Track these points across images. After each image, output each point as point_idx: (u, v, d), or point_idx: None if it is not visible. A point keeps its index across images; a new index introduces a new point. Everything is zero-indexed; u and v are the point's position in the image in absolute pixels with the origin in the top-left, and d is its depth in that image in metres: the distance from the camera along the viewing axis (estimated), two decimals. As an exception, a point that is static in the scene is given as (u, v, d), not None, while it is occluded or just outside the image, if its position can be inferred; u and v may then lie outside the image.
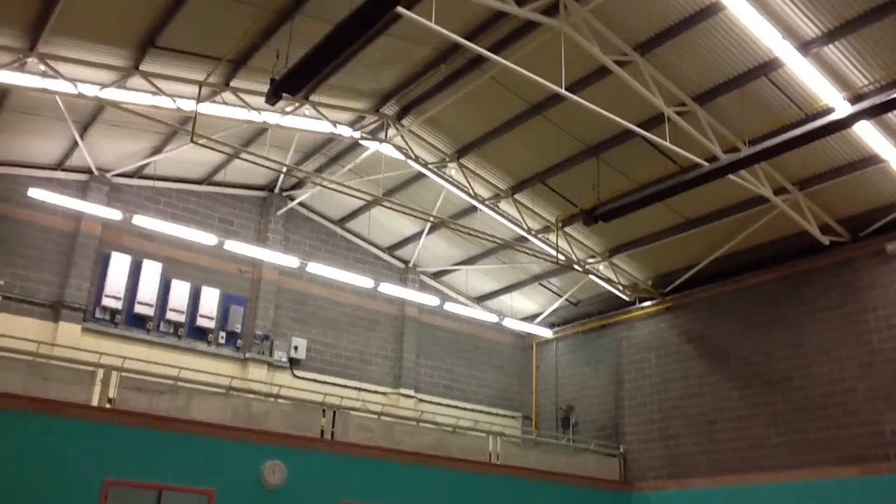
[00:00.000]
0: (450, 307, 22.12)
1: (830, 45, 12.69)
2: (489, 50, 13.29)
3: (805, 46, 12.69)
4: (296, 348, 20.39)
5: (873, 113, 12.10)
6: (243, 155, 17.05)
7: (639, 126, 14.31)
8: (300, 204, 21.26)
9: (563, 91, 13.25)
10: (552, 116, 16.01)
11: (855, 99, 13.12)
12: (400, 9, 11.46)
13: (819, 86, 13.00)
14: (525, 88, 15.20)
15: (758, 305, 18.13)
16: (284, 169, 18.11)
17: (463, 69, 15.17)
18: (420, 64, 15.28)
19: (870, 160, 14.79)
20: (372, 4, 10.24)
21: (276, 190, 20.93)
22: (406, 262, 23.01)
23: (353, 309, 21.87)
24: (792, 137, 12.83)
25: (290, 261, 19.44)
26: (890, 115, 13.42)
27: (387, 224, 21.54)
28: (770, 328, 17.77)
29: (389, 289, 21.10)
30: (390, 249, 22.81)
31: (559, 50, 13.01)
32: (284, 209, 20.92)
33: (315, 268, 19.78)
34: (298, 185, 20.70)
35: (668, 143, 14.24)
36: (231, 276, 20.05)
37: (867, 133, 13.72)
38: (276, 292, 20.57)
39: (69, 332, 17.17)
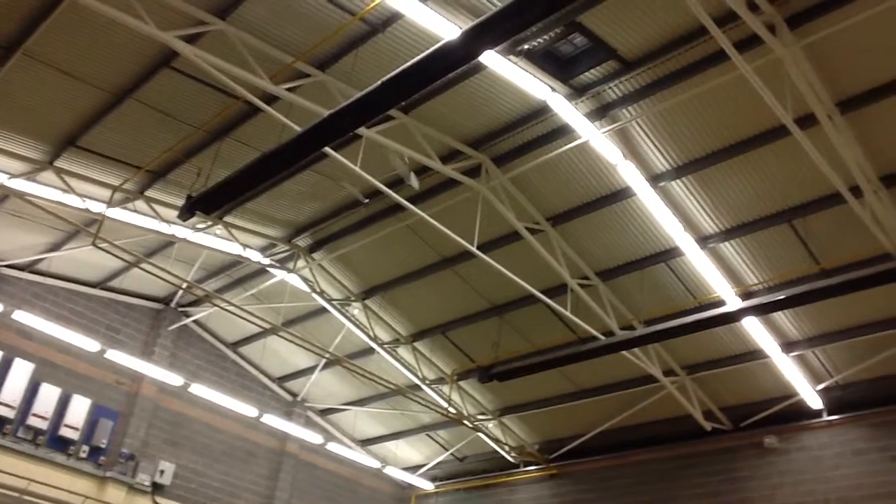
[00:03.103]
0: (333, 447, 21.46)
1: (726, 243, 13.57)
2: (409, 200, 13.61)
3: (704, 240, 13.52)
4: (162, 472, 19.19)
5: (760, 311, 12.77)
6: (144, 265, 16.60)
7: (543, 293, 14.71)
8: (195, 321, 20.64)
9: (474, 249, 13.63)
10: (461, 271, 16.32)
11: (745, 295, 13.92)
12: (328, 149, 11.74)
13: (713, 278, 13.74)
14: (438, 241, 15.52)
15: (642, 484, 18.20)
16: (185, 285, 17.67)
17: (381, 214, 15.44)
18: (340, 202, 15.48)
19: (754, 354, 15.47)
20: (302, 141, 10.43)
21: (173, 304, 20.31)
22: (295, 396, 22.37)
23: (231, 437, 20.92)
24: (684, 324, 13.34)
25: (174, 378, 18.63)
26: (775, 314, 14.22)
27: (281, 354, 21.06)
28: (651, 509, 17.80)
29: (273, 421, 20.38)
30: (281, 380, 22.19)
31: (476, 210, 13.47)
32: (177, 325, 20.24)
33: (198, 389, 19.00)
34: (196, 302, 20.18)
35: (568, 313, 14.64)
36: (107, 387, 18.99)
37: (754, 328, 14.43)
38: (153, 410, 19.55)
39: (-85, 427, 15.80)
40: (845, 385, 15.38)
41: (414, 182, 13.16)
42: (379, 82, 9.08)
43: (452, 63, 8.66)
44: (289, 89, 11.57)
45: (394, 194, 13.17)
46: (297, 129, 11.00)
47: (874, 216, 11.62)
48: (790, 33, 10.10)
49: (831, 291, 11.59)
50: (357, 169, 12.30)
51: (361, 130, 11.86)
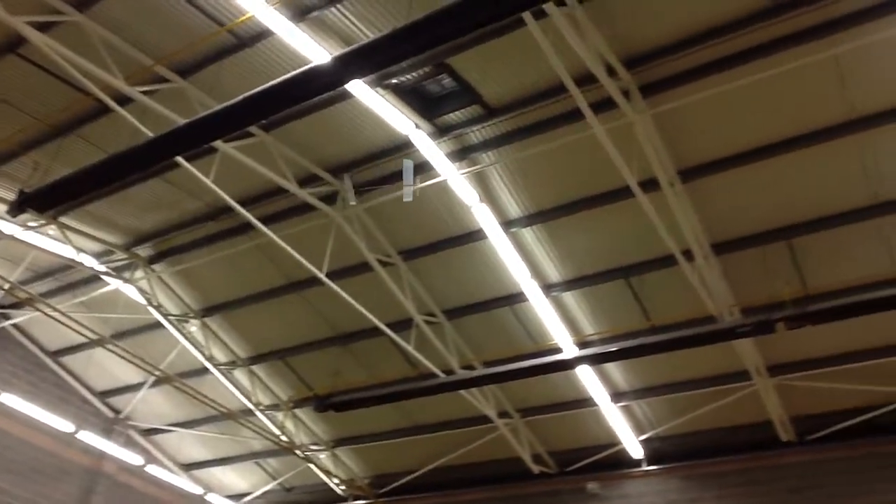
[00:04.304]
0: (153, 470, 20.39)
1: (568, 293, 14.09)
2: (260, 219, 13.31)
3: (548, 288, 13.98)
4: (-42, 488, 17.62)
5: (594, 360, 13.29)
6: (-38, 260, 15.35)
7: (388, 326, 14.70)
8: (13, 325, 19.19)
9: (322, 276, 13.49)
10: (308, 296, 16.05)
11: (581, 344, 14.45)
12: (180, 158, 11.34)
13: (553, 326, 14.19)
14: (287, 264, 15.19)
15: (467, 523, 18.37)
16: (7, 285, 16.43)
17: (230, 231, 14.99)
18: (188, 215, 14.92)
19: (585, 402, 16.00)
20: (153, 147, 9.98)
21: (-10, 305, 18.85)
22: (117, 412, 21.12)
23: (42, 453, 19.43)
24: (522, 367, 13.63)
25: (-18, 386, 17.23)
26: (607, 365, 14.84)
27: (107, 367, 19.87)
28: (474, 548, 17.96)
29: (90, 438, 19.15)
30: (103, 395, 20.91)
31: (328, 237, 13.34)
32: (-7, 327, 18.79)
33: (8, 398, 17.63)
34: (17, 304, 18.76)
35: (411, 349, 14.69)
36: None
37: (587, 377, 14.99)
38: (-46, 419, 17.96)
39: None
40: (664, 437, 16.16)
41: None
42: (241, 97, 8.86)
43: (319, 87, 8.57)
44: (145, 92, 11.11)
45: (245, 212, 12.86)
46: (150, 134, 10.56)
47: (703, 280, 12.41)
48: (643, 101, 10.72)
49: (657, 348, 12.22)
50: (210, 183, 11.93)
51: (218, 144, 11.53)
